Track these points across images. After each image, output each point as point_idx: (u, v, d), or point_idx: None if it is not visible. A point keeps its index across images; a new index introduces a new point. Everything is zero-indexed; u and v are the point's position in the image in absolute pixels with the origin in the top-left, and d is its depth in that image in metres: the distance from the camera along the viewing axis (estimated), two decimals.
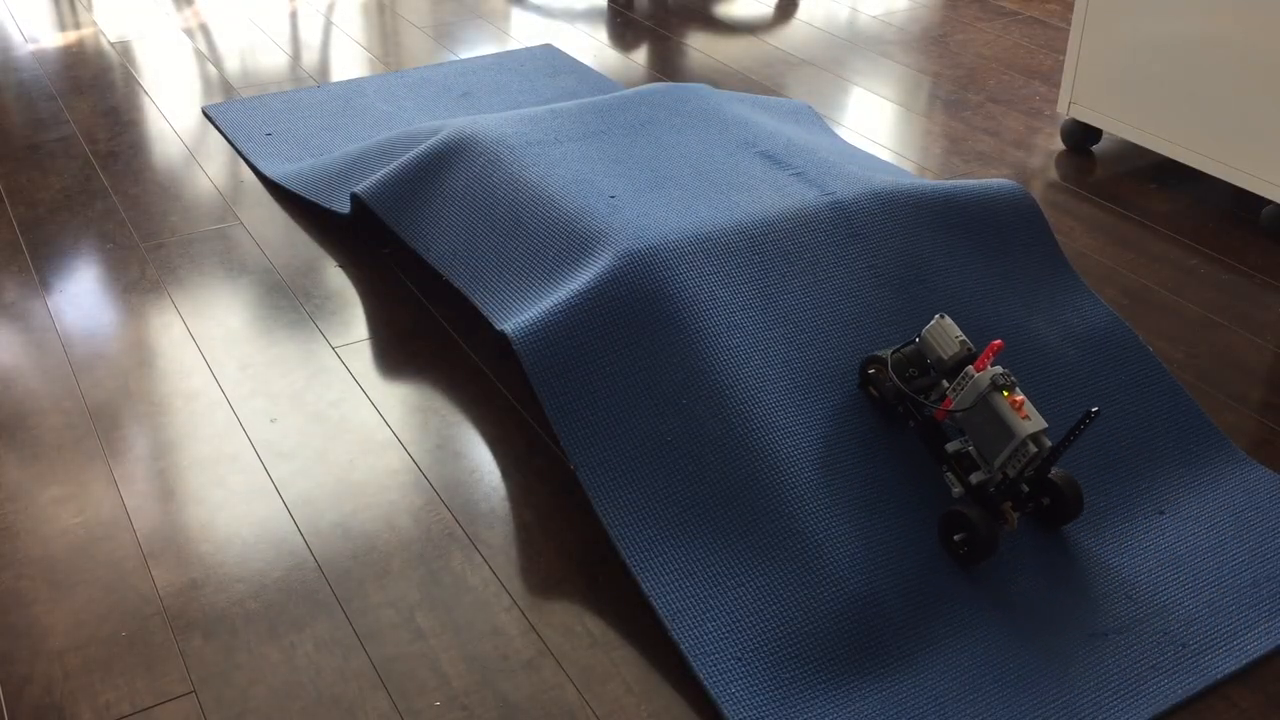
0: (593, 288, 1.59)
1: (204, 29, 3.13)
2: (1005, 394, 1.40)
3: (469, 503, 1.57)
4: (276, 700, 1.30)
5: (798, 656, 1.32)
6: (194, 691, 1.31)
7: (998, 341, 1.42)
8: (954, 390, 1.44)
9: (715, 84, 2.79)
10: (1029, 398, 1.61)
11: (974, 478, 1.43)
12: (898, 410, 1.51)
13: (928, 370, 1.50)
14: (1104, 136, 2.54)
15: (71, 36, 3.06)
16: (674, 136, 1.99)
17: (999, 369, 1.42)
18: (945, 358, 1.47)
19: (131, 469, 1.62)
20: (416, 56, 2.95)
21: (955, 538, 1.42)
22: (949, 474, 1.46)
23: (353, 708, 1.29)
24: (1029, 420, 1.38)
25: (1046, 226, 1.83)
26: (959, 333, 1.47)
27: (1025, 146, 2.52)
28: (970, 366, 1.44)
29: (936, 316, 1.49)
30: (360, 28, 3.15)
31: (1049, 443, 1.41)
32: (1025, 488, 1.45)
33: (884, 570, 1.40)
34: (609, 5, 3.32)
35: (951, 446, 1.45)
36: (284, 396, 1.76)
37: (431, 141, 2.02)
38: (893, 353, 1.50)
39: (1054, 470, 1.47)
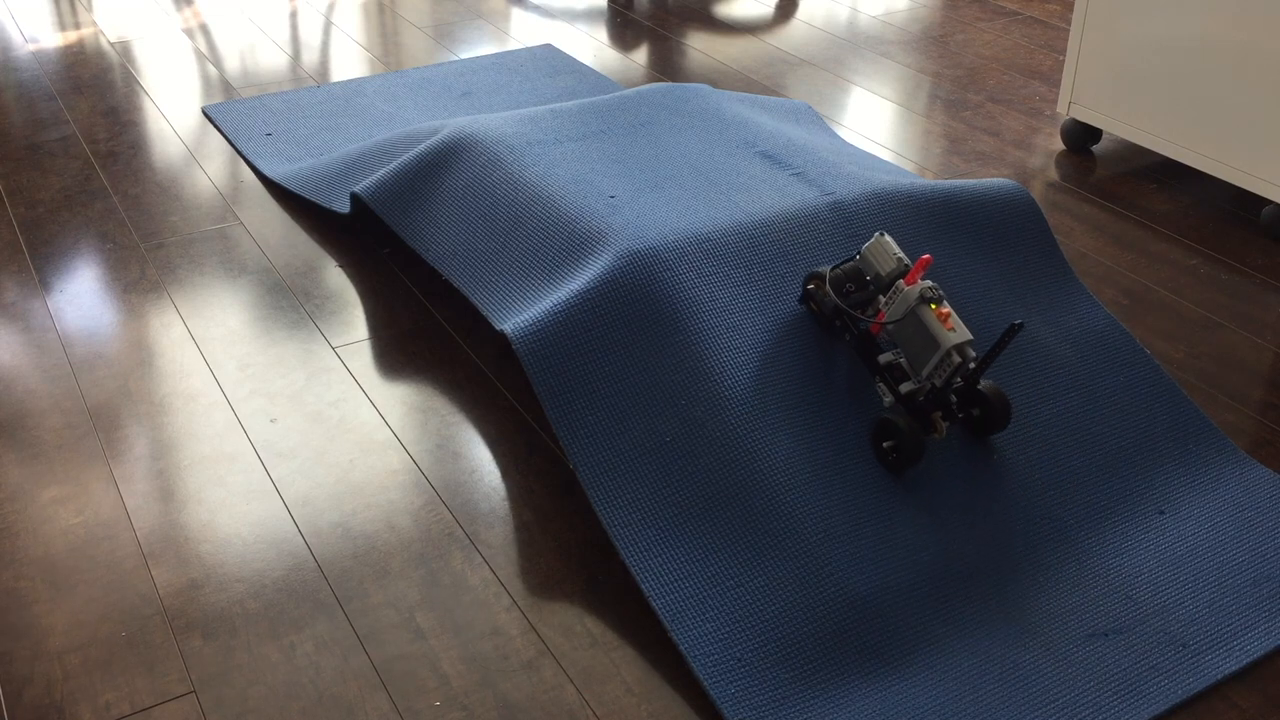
0: (592, 288, 1.59)
1: (204, 29, 3.13)
2: (933, 307, 1.47)
3: (469, 503, 1.57)
4: (276, 700, 1.30)
5: (797, 656, 1.32)
6: (194, 691, 1.31)
7: (927, 256, 1.49)
8: (887, 304, 1.51)
9: (715, 84, 2.79)
10: (1027, 399, 1.61)
11: (904, 388, 1.50)
12: (835, 324, 1.58)
13: (866, 286, 1.56)
14: (1104, 136, 2.54)
15: (71, 36, 3.06)
16: (674, 136, 1.99)
17: (928, 283, 1.48)
18: (883, 274, 1.53)
19: (131, 469, 1.62)
20: (416, 56, 2.96)
21: (884, 445, 1.49)
22: (880, 384, 1.52)
23: (353, 708, 1.29)
24: (954, 332, 1.45)
25: (1046, 227, 1.83)
26: (897, 250, 1.53)
27: (1025, 146, 2.52)
28: (901, 280, 1.50)
29: (876, 234, 1.55)
30: (360, 28, 3.15)
31: (973, 353, 1.47)
32: (954, 398, 1.51)
33: (883, 570, 1.40)
34: (609, 5, 3.32)
35: (884, 358, 1.52)
36: (284, 396, 1.76)
37: (431, 141, 2.02)
38: (832, 269, 1.57)
39: (983, 383, 1.53)
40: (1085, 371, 1.67)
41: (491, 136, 1.97)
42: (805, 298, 1.60)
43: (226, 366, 1.83)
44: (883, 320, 1.51)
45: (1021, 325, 1.43)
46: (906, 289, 1.48)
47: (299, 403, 1.75)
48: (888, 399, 1.52)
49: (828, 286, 1.55)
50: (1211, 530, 1.51)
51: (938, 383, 1.47)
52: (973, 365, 1.48)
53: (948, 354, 1.45)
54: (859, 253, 1.56)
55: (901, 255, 1.52)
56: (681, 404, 1.52)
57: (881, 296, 1.53)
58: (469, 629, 1.38)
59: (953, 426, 1.55)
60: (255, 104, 2.67)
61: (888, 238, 1.54)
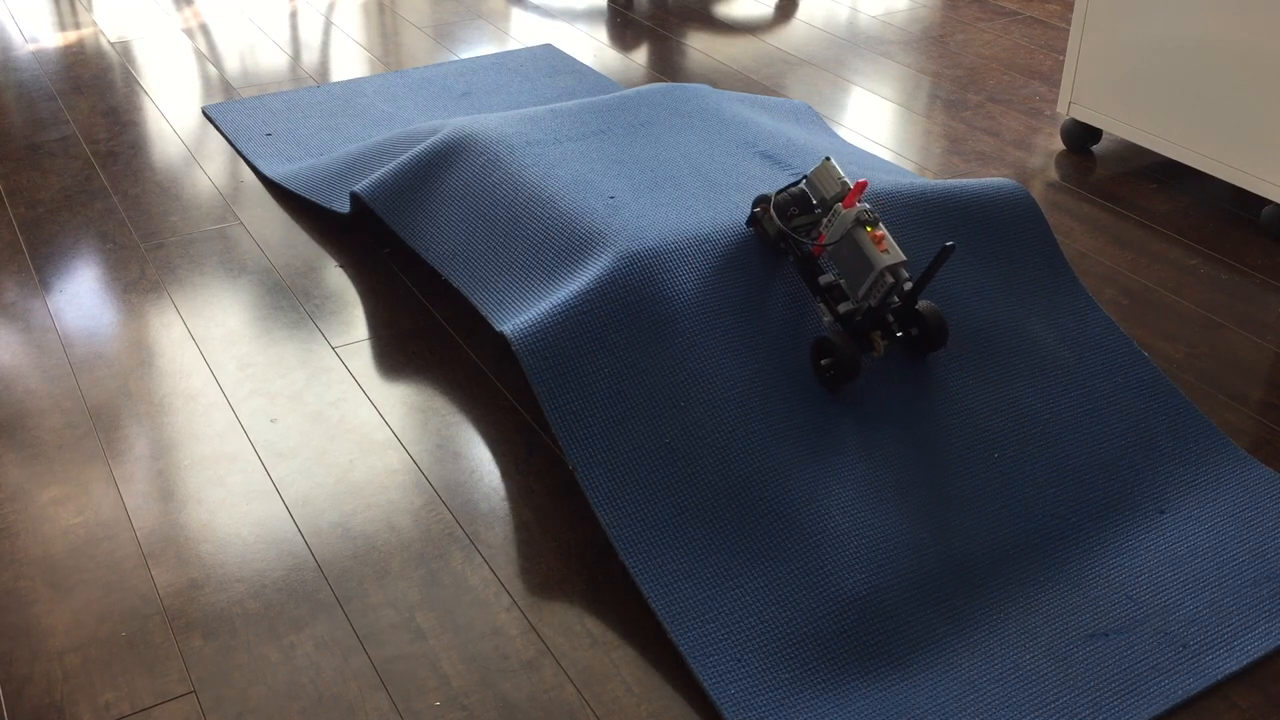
0: (592, 289, 1.59)
1: (204, 29, 3.13)
2: (868, 229, 1.51)
3: (469, 503, 1.57)
4: (276, 700, 1.30)
5: (797, 657, 1.32)
6: (194, 691, 1.31)
7: (863, 180, 1.53)
8: (826, 226, 1.56)
9: (715, 84, 2.79)
10: (1027, 399, 1.61)
11: (842, 308, 1.55)
12: (780, 246, 1.62)
13: (812, 209, 1.60)
14: (1104, 136, 2.54)
15: (71, 36, 3.06)
16: (674, 137, 1.99)
17: (865, 205, 1.53)
18: (828, 197, 1.57)
19: (131, 469, 1.62)
20: (416, 56, 2.96)
21: (822, 362, 1.54)
22: (820, 304, 1.57)
23: (353, 708, 1.29)
24: (887, 254, 1.50)
25: (1046, 226, 1.83)
26: (841, 174, 1.57)
27: (1025, 146, 2.52)
28: (839, 204, 1.54)
29: (823, 158, 1.59)
30: (360, 28, 3.15)
31: (907, 275, 1.52)
32: (891, 318, 1.56)
33: (883, 570, 1.40)
34: (609, 5, 3.32)
35: (824, 279, 1.57)
36: (284, 396, 1.76)
37: (431, 141, 2.02)
38: (777, 193, 1.61)
39: (921, 303, 1.57)
40: (1085, 372, 1.67)
41: (491, 136, 1.97)
42: (752, 220, 1.65)
43: (226, 366, 1.83)
44: (823, 243, 1.55)
45: (953, 246, 1.47)
46: (844, 212, 1.53)
47: (299, 403, 1.75)
48: (827, 319, 1.57)
49: (772, 211, 1.59)
50: (1212, 530, 1.51)
51: (873, 303, 1.51)
52: (907, 286, 1.53)
53: (881, 275, 1.49)
54: (806, 176, 1.60)
55: (845, 179, 1.56)
56: (681, 405, 1.52)
57: (825, 219, 1.57)
58: (469, 629, 1.38)
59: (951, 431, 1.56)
60: (255, 104, 2.67)
61: (832, 161, 1.58)
